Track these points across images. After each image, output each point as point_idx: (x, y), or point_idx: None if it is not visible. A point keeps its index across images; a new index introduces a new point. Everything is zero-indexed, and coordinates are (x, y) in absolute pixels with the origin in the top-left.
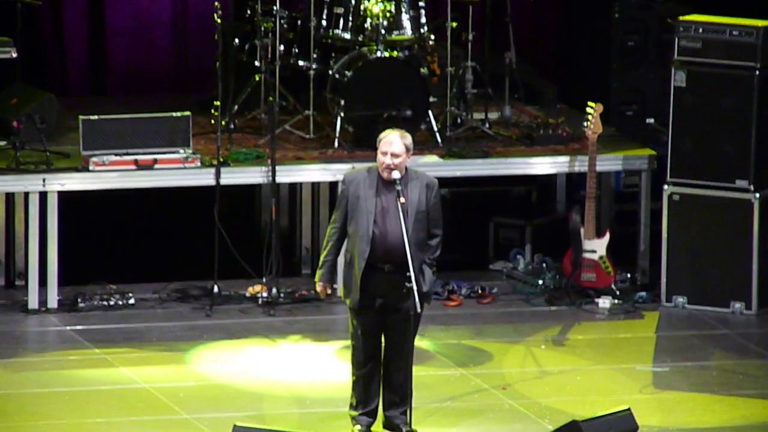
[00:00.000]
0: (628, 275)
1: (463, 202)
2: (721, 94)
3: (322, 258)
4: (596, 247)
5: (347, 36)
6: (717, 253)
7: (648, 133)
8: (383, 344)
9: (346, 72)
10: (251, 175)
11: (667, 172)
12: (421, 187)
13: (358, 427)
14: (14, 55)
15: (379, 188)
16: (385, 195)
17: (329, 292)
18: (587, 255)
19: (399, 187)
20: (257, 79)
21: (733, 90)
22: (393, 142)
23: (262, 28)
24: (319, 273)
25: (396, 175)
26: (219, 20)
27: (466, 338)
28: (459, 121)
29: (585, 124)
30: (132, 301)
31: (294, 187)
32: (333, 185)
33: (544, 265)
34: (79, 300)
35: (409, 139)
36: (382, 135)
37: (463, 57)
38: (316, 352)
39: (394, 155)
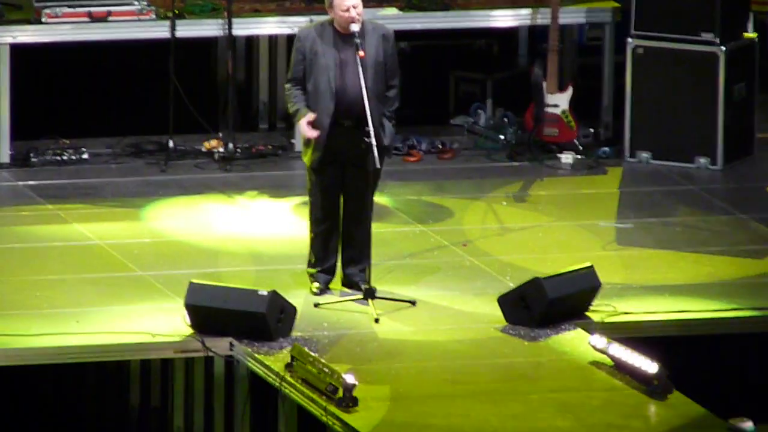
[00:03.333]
0: (591, 130)
1: (423, 55)
2: None
3: (292, 100)
4: (559, 101)
5: None
6: (682, 107)
7: None
8: (342, 201)
9: None
10: (207, 28)
11: (631, 24)
12: (378, 38)
13: (316, 284)
14: None
15: (337, 43)
16: (342, 50)
17: (317, 134)
18: (549, 109)
19: (358, 40)
20: None
21: None
22: None
23: None
24: (301, 114)
25: (356, 27)
26: None
27: (426, 194)
28: None
29: None
30: (86, 156)
31: (251, 41)
32: (290, 38)
33: (505, 119)
34: (31, 155)
35: None
36: None
37: None
38: (273, 208)
39: (355, 6)
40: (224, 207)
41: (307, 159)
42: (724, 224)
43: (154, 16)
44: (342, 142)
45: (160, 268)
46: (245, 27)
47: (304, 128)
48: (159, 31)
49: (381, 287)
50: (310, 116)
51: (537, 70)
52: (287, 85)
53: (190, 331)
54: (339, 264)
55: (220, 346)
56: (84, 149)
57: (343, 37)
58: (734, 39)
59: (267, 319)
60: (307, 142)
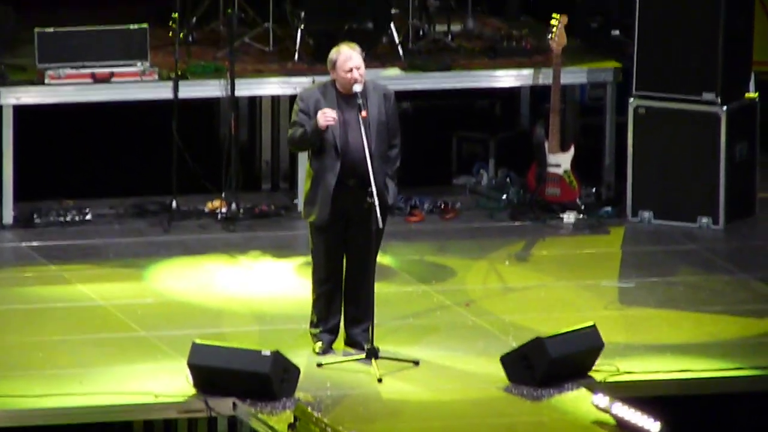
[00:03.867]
0: (593, 190)
1: (425, 116)
2: (688, 6)
3: (298, 131)
4: (561, 161)
5: None
6: (683, 167)
7: (613, 45)
8: (345, 260)
9: None
10: (210, 89)
11: (633, 84)
12: (379, 98)
13: (320, 344)
14: None
15: (340, 103)
16: (345, 110)
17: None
18: (552, 169)
19: (360, 101)
20: None
21: (699, 1)
22: (352, 56)
23: None
24: (312, 124)
25: (359, 87)
26: None
27: (428, 254)
28: (421, 33)
29: (549, 36)
30: (89, 216)
31: (253, 101)
32: (293, 99)
33: (508, 179)
34: (35, 216)
35: (358, 48)
36: (335, 55)
37: None
38: (276, 268)
39: (357, 68)
40: (227, 267)
41: (311, 218)
42: (726, 284)
43: (156, 77)
44: (346, 201)
45: (163, 328)
46: (248, 87)
47: (323, 116)
48: (162, 92)
49: (384, 347)
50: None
51: (539, 130)
52: (289, 137)
53: (193, 391)
54: (342, 324)
55: (224, 406)
56: (87, 210)
57: (346, 98)
58: (736, 99)
59: (270, 379)
60: (310, 202)
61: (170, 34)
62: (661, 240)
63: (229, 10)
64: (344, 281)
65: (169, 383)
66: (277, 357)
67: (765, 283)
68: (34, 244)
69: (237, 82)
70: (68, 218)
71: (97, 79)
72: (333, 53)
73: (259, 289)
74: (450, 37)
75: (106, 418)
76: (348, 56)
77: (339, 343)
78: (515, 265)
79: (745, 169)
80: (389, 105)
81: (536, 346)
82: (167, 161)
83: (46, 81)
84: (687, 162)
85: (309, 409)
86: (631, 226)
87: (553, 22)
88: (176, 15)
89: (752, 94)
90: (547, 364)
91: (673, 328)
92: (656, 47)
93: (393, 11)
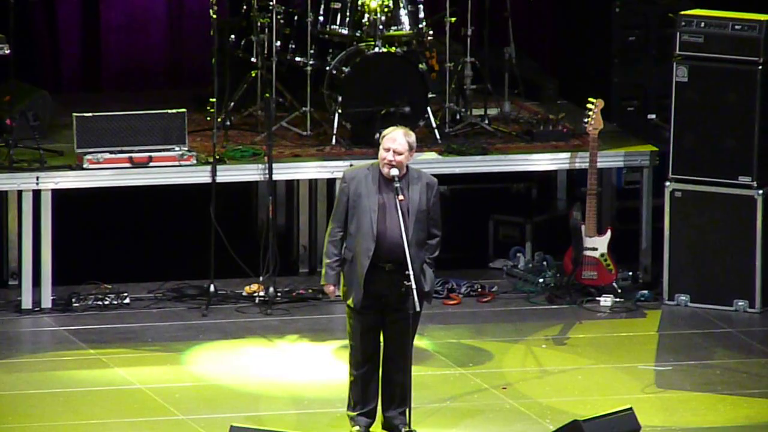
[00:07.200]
0: (630, 273)
1: (462, 199)
2: (724, 90)
3: (325, 259)
4: (597, 244)
5: (345, 31)
6: (720, 250)
7: (649, 128)
8: (382, 344)
9: (344, 68)
10: (248, 173)
11: (669, 168)
12: (422, 186)
13: (357, 427)
14: (7, 51)
15: (381, 186)
16: (386, 193)
17: (338, 293)
18: (588, 252)
19: (398, 185)
20: (253, 75)
21: (735, 85)
22: (396, 139)
23: (259, 24)
24: (325, 274)
25: (395, 172)
26: (214, 15)
27: (465, 337)
28: (458, 117)
29: (586, 120)
30: (127, 300)
31: (291, 185)
32: (330, 182)
33: (544, 263)
34: (73, 300)
35: (413, 137)
36: (386, 131)
37: (462, 52)
38: (313, 351)
39: (396, 152)
40: (265, 351)
41: (349, 301)
42: (763, 367)
43: (195, 161)
44: (383, 285)
45: (201, 412)
46: (285, 171)
47: (327, 288)
48: (200, 176)
49: (421, 431)
50: (330, 288)
51: (576, 213)
52: (329, 226)
53: None
54: (379, 407)
55: None
56: (126, 294)
57: (387, 181)
58: None
59: None
60: (348, 283)
61: (208, 119)
62: (698, 323)
63: (267, 94)
64: (381, 364)
65: None
66: None
67: None
68: (73, 327)
69: (275, 166)
70: (106, 302)
71: (136, 164)
72: (385, 131)
73: (297, 373)
74: (487, 120)
75: None
76: (392, 138)
77: (377, 426)
78: (552, 348)
79: None
80: (432, 194)
81: (574, 429)
82: (205, 245)
83: (85, 165)
84: (723, 245)
85: None
86: (668, 309)
87: (589, 105)
88: (214, 99)
89: None
90: None
91: (710, 412)
92: (692, 131)
93: (430, 95)
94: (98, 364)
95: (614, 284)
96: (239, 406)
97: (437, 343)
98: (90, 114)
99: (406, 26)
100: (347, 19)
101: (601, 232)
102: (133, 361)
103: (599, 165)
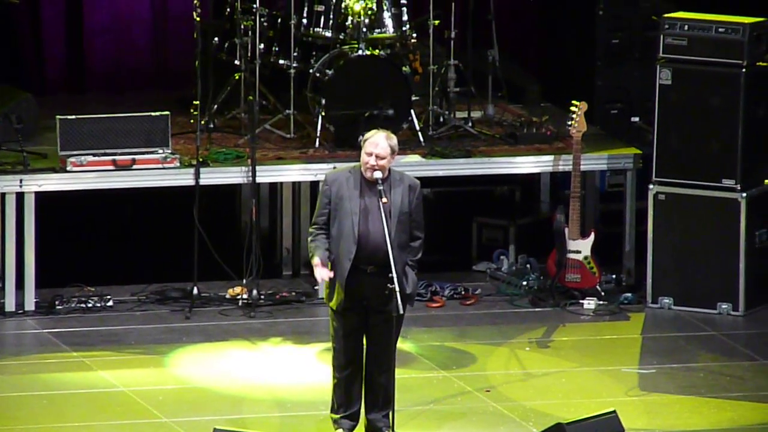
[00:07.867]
0: (614, 276)
1: (445, 202)
2: (707, 92)
3: (311, 246)
4: (581, 247)
5: (328, 34)
6: (703, 253)
7: (633, 131)
8: (365, 346)
9: (327, 71)
10: (231, 176)
11: (653, 171)
12: (404, 188)
13: (340, 430)
14: None
15: (363, 188)
16: (368, 196)
17: (331, 274)
18: (572, 255)
19: (381, 188)
20: (237, 78)
21: (719, 88)
22: (378, 143)
23: (242, 26)
24: (315, 255)
25: (378, 175)
26: (198, 18)
27: (449, 340)
28: (441, 120)
29: (569, 122)
30: (110, 303)
31: (274, 187)
32: (314, 185)
33: (528, 265)
34: (56, 302)
35: (394, 140)
36: (368, 135)
37: (446, 55)
38: (296, 354)
39: (378, 156)
40: (248, 353)
41: (332, 303)
42: (746, 370)
43: (178, 164)
44: (365, 288)
45: (184, 414)
46: (269, 174)
47: (316, 269)
48: (183, 178)
49: None
50: (316, 260)
51: (559, 216)
52: (311, 229)
53: None
54: (362, 410)
55: None
56: (109, 296)
57: (369, 184)
58: (755, 185)
59: None
60: (331, 286)
61: (191, 121)
62: (682, 326)
63: (251, 97)
64: (364, 367)
65: None
66: None
67: None
68: (56, 330)
69: (258, 168)
70: (90, 305)
71: (119, 166)
72: (367, 134)
73: (280, 376)
74: (470, 123)
75: None
76: (374, 142)
77: (360, 429)
78: (536, 351)
79: (764, 255)
80: (414, 196)
81: None
82: (189, 248)
83: (68, 168)
84: (707, 248)
85: None
86: (651, 312)
87: (573, 108)
88: (197, 102)
89: None
90: None
91: (694, 415)
92: (676, 134)
93: (413, 98)
94: (81, 367)
95: (598, 287)
96: (222, 409)
97: (421, 346)
98: (73, 117)
99: (389, 29)
100: (331, 21)
101: (584, 235)
102: (117, 364)
103: (583, 168)
